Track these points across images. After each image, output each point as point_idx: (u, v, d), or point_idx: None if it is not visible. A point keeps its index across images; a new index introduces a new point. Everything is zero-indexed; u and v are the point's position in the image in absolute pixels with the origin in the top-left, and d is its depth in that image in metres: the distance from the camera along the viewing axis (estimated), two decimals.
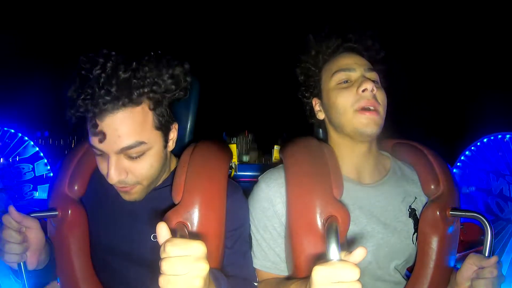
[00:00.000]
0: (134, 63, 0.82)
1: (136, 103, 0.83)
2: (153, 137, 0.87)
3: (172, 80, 0.88)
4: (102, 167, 0.87)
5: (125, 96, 0.80)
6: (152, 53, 0.87)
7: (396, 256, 0.99)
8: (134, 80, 0.82)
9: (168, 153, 0.97)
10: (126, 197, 0.92)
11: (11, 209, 0.85)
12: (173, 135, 0.95)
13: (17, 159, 2.06)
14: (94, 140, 0.83)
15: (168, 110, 0.91)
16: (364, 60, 1.04)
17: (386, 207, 1.00)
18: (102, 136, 0.81)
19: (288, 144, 1.06)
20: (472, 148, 2.00)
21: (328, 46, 1.07)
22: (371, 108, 0.95)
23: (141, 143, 0.84)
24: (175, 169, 0.97)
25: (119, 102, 0.80)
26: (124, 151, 0.83)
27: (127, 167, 0.86)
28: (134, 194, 0.91)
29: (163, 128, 0.89)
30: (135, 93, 0.82)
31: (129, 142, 0.82)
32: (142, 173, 0.88)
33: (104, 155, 0.85)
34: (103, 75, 0.79)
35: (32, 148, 2.11)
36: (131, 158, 0.85)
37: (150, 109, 0.86)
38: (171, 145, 0.95)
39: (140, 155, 0.85)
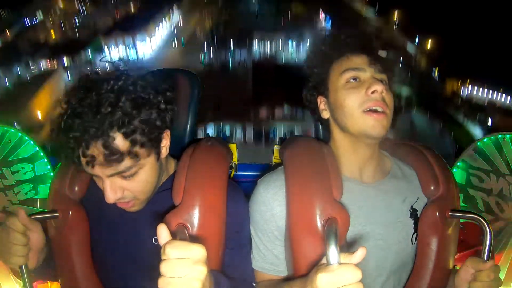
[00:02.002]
0: (115, 101, 0.80)
1: (123, 127, 0.80)
2: (144, 156, 0.86)
3: (151, 120, 0.85)
4: (99, 184, 0.88)
5: (107, 125, 0.79)
6: (138, 90, 0.84)
7: (391, 259, 0.99)
8: (112, 116, 0.79)
9: (163, 160, 0.96)
10: (126, 209, 0.93)
11: (21, 212, 0.86)
12: (165, 142, 0.93)
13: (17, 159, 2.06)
14: (85, 167, 0.83)
15: (158, 122, 0.87)
16: (374, 60, 1.01)
17: (386, 207, 1.00)
18: (91, 163, 0.81)
19: (288, 144, 1.06)
20: (472, 148, 1.99)
21: (338, 44, 1.04)
22: (379, 109, 0.94)
23: (132, 166, 0.84)
24: (174, 172, 0.97)
25: (101, 130, 0.78)
26: (117, 174, 0.84)
27: (122, 186, 0.86)
28: (133, 207, 0.92)
29: (154, 144, 0.87)
30: (115, 126, 0.79)
31: (119, 167, 0.82)
32: (138, 190, 0.89)
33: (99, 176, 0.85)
34: (85, 109, 0.78)
35: (32, 148, 2.11)
36: (125, 177, 0.85)
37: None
38: (165, 152, 0.94)
39: (134, 174, 0.86)
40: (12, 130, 2.05)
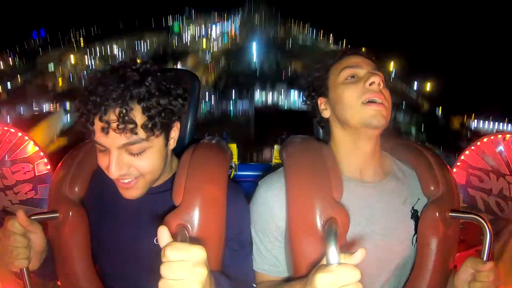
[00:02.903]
0: (140, 78, 0.85)
1: (143, 101, 0.84)
2: (155, 136, 0.87)
3: (168, 101, 0.89)
4: (103, 162, 0.87)
5: (129, 95, 0.82)
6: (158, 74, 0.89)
7: (391, 260, 0.99)
8: (134, 89, 0.83)
9: (169, 151, 0.97)
10: (126, 194, 0.91)
11: (20, 213, 0.85)
12: (174, 133, 0.94)
13: (17, 158, 2.05)
14: (98, 134, 0.83)
15: (173, 110, 0.90)
16: (371, 61, 1.05)
17: (387, 208, 1.00)
18: (106, 130, 0.81)
19: (288, 144, 1.06)
20: (472, 148, 1.99)
21: (337, 50, 1.10)
22: (378, 100, 0.96)
23: (143, 139, 0.85)
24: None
25: (122, 98, 0.81)
26: (126, 147, 0.84)
27: (128, 163, 0.86)
28: (135, 190, 0.90)
29: (165, 128, 0.89)
30: (136, 98, 0.83)
31: (132, 138, 0.83)
32: (145, 169, 0.88)
33: (106, 150, 0.86)
34: (110, 80, 0.83)
35: (32, 148, 2.10)
36: (132, 154, 0.85)
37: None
38: (172, 143, 0.95)
39: (141, 152, 0.86)
40: (12, 130, 2.05)
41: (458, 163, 2.01)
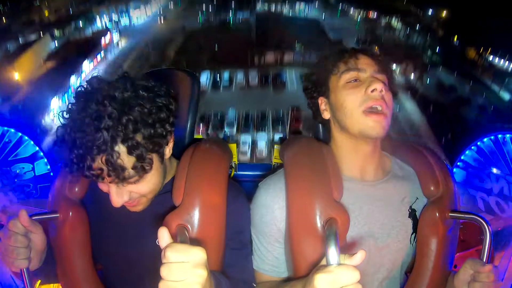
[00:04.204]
0: (117, 114, 0.78)
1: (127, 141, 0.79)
2: (149, 164, 0.85)
3: (158, 123, 0.84)
4: (104, 188, 0.87)
5: (110, 140, 0.76)
6: (143, 93, 0.83)
7: (390, 258, 1.00)
8: (113, 131, 0.77)
9: (166, 161, 0.96)
10: (132, 209, 0.92)
11: (22, 213, 0.85)
12: (169, 144, 0.92)
13: (17, 159, 2.06)
14: (91, 179, 0.81)
15: (161, 132, 0.85)
16: (374, 62, 1.02)
17: (385, 207, 1.01)
18: (101, 178, 0.79)
19: (288, 144, 1.06)
20: (472, 147, 2.00)
21: (339, 48, 1.07)
22: (379, 108, 0.95)
23: (138, 174, 0.83)
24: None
25: (105, 145, 0.76)
26: (123, 181, 0.83)
27: (128, 191, 0.86)
28: (139, 206, 0.92)
29: (158, 151, 0.87)
30: (124, 135, 0.78)
31: (126, 177, 0.81)
32: (145, 191, 0.88)
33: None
34: (86, 121, 0.76)
35: (32, 148, 2.11)
36: (130, 182, 0.84)
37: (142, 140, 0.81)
38: (168, 152, 0.93)
39: (139, 179, 0.85)
40: (12, 130, 2.05)
41: (458, 163, 2.02)
